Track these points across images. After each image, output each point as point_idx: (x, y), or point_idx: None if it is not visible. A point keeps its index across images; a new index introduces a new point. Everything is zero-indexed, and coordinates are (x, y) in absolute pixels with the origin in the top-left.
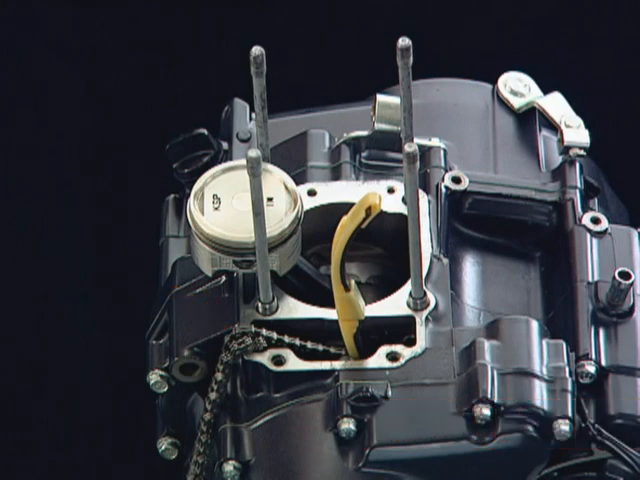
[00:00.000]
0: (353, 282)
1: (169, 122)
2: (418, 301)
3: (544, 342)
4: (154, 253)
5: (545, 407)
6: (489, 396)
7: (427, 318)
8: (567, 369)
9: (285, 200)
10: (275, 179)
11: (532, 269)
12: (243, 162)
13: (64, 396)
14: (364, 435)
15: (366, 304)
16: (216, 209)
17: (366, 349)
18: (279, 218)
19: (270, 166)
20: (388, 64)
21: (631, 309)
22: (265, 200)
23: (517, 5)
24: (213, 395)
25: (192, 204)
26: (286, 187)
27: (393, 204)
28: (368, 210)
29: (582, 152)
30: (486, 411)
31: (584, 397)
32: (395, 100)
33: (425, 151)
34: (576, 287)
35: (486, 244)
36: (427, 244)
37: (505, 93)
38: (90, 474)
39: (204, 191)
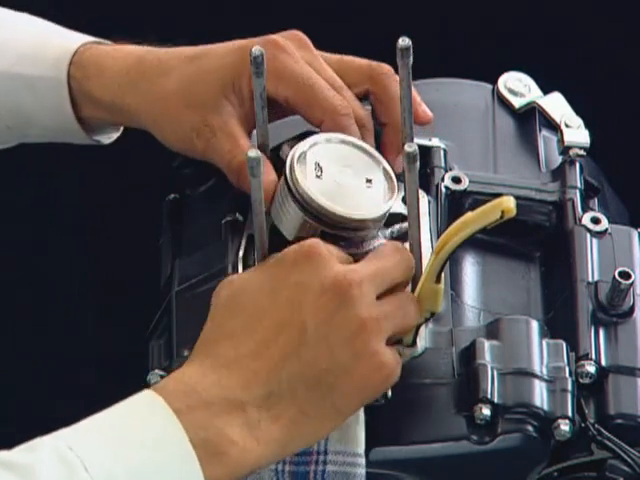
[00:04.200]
0: (443, 275)
1: None
2: None
3: (544, 342)
4: (154, 253)
5: (545, 407)
6: (489, 396)
7: (427, 318)
8: (567, 369)
9: (384, 186)
10: (374, 164)
11: (532, 269)
12: (351, 139)
13: (64, 396)
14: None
15: None
16: (318, 177)
17: None
18: (377, 201)
19: (375, 151)
20: (388, 64)
21: (631, 309)
22: (364, 181)
23: (517, 5)
24: None
25: (296, 165)
26: (386, 175)
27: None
28: (502, 213)
29: (582, 152)
30: (486, 411)
31: (584, 397)
32: None
33: (425, 151)
34: (576, 287)
35: (486, 244)
36: (427, 244)
37: (505, 93)
38: None
39: (307, 156)
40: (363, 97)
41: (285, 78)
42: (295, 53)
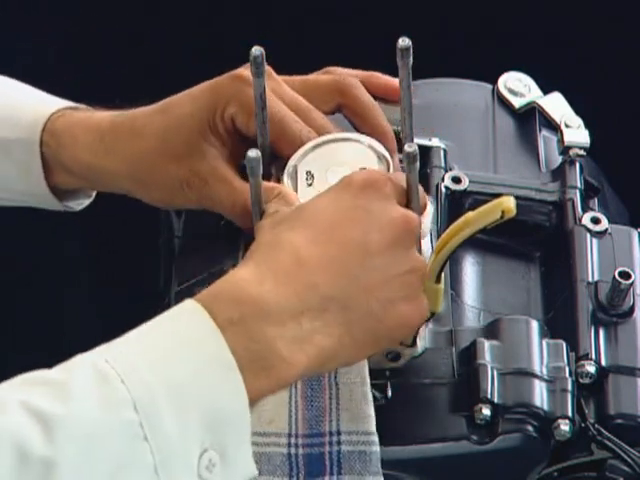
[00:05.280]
0: (443, 275)
1: None
2: None
3: (544, 342)
4: (154, 253)
5: (545, 407)
6: (489, 396)
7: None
8: (567, 369)
9: (378, 168)
10: (364, 147)
11: (532, 269)
12: (333, 136)
13: None
14: None
15: None
16: (310, 185)
17: None
18: None
19: (357, 135)
20: (388, 64)
21: (631, 309)
22: (358, 171)
23: (517, 5)
24: None
25: (286, 183)
26: (378, 155)
27: None
28: (502, 213)
29: (582, 152)
30: (486, 411)
31: (584, 397)
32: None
33: (425, 151)
34: (576, 287)
35: (486, 244)
36: (427, 244)
37: (505, 93)
38: None
39: (297, 169)
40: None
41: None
42: None
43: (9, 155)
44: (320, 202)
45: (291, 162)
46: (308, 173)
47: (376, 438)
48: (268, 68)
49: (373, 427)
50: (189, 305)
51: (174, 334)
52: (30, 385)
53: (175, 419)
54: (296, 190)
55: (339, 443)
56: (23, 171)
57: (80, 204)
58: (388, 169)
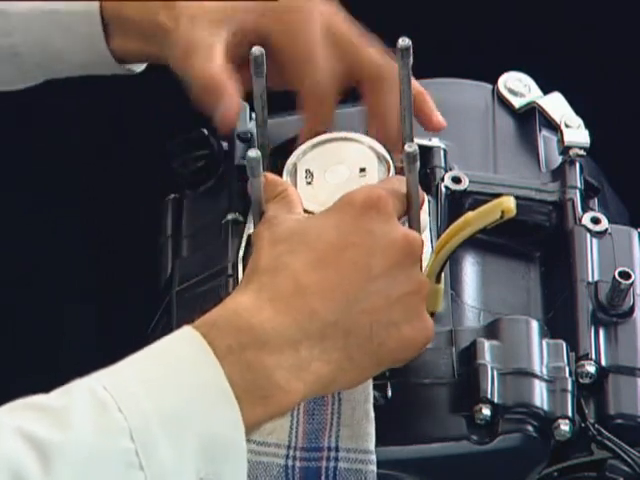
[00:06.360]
0: (443, 275)
1: (169, 122)
2: None
3: (544, 342)
4: (154, 253)
5: (545, 407)
6: (489, 396)
7: None
8: (567, 369)
9: (378, 169)
10: (365, 148)
11: (532, 269)
12: (333, 135)
13: None
14: None
15: None
16: (309, 183)
17: None
18: None
19: (358, 135)
20: None
21: (631, 309)
22: (358, 171)
23: (517, 5)
24: None
25: (286, 179)
26: (378, 156)
27: None
28: (502, 213)
29: (582, 152)
30: (486, 411)
31: (584, 397)
32: None
33: (425, 151)
34: (576, 287)
35: (486, 244)
36: (427, 244)
37: (505, 93)
38: None
39: (297, 167)
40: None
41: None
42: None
43: (68, 27)
44: (321, 223)
45: (291, 160)
46: (307, 171)
47: (374, 457)
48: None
49: (372, 446)
50: (187, 332)
51: (172, 362)
52: (28, 411)
53: (171, 448)
54: (296, 188)
55: (337, 459)
56: (83, 40)
57: (139, 67)
58: (388, 171)
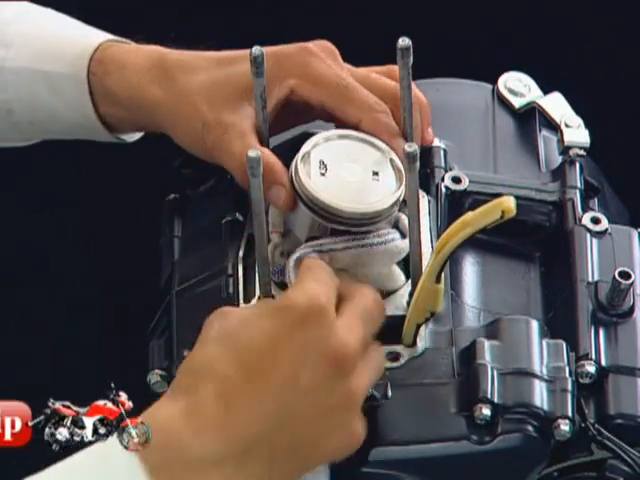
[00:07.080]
0: (444, 275)
1: None
2: None
3: (544, 342)
4: (154, 253)
5: (545, 407)
6: (489, 396)
7: (427, 318)
8: (567, 369)
9: (391, 176)
10: (384, 158)
11: (532, 269)
12: (353, 132)
13: (64, 396)
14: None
15: None
16: (322, 175)
17: None
18: (384, 193)
19: (383, 144)
20: (388, 64)
21: (631, 309)
22: (371, 174)
23: (517, 5)
24: None
25: (299, 166)
26: (394, 168)
27: None
28: (502, 213)
29: (582, 152)
30: (486, 411)
31: (584, 397)
32: None
33: (425, 151)
34: (576, 287)
35: (486, 244)
36: (427, 244)
37: (505, 93)
38: None
39: (311, 155)
40: None
41: (319, 82)
42: (326, 59)
43: (57, 89)
44: (255, 326)
45: (305, 148)
46: (321, 162)
47: None
48: (336, 53)
49: None
50: (119, 446)
51: (102, 475)
52: None
53: None
54: (309, 176)
55: None
56: (72, 103)
57: (131, 137)
58: (400, 182)
